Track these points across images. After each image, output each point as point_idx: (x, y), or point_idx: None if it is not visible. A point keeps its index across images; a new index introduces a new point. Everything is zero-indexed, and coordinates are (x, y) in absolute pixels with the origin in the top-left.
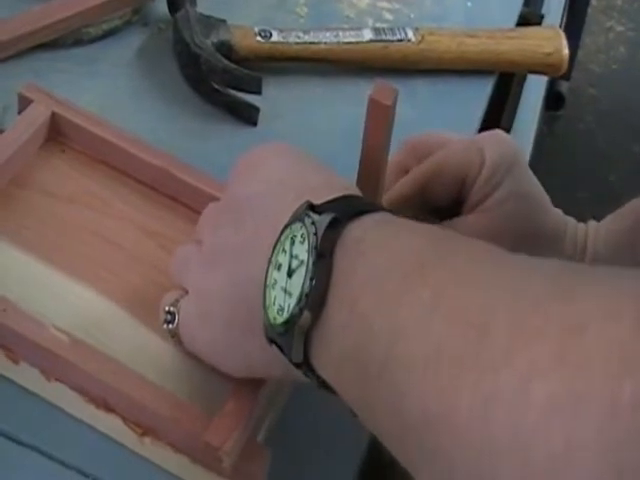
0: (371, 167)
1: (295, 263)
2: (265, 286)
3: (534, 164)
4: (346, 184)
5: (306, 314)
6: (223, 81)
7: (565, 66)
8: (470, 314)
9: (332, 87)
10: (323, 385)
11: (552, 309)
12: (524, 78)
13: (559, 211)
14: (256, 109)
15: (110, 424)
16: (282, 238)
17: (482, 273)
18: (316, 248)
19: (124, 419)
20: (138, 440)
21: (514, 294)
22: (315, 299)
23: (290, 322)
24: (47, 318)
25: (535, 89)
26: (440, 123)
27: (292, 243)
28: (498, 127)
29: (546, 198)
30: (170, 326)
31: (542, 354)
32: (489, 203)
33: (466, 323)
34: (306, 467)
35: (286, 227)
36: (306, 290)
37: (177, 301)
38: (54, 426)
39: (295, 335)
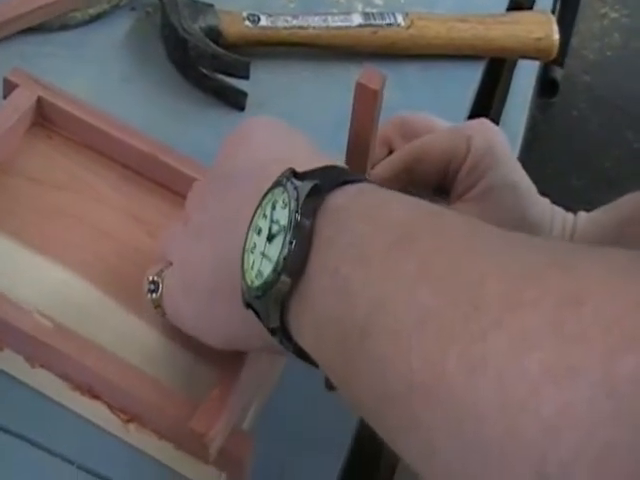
0: (358, 151)
1: (275, 228)
2: (244, 250)
3: (528, 151)
4: (333, 158)
5: (284, 279)
6: (211, 66)
7: (555, 51)
8: (459, 284)
9: (321, 72)
10: (299, 354)
11: (548, 280)
12: (515, 63)
13: (547, 201)
14: (244, 94)
15: (95, 411)
16: (264, 203)
17: (471, 244)
18: (297, 212)
19: (109, 406)
20: (123, 427)
21: (506, 264)
22: (294, 264)
23: (267, 286)
24: (31, 304)
25: (527, 75)
26: (430, 108)
27: (273, 208)
28: (488, 113)
29: (533, 189)
30: (154, 295)
31: (536, 323)
32: (474, 192)
33: (454, 293)
34: (292, 455)
35: (268, 192)
36: (284, 254)
37: (161, 271)
38: (39, 413)
39: (272, 299)
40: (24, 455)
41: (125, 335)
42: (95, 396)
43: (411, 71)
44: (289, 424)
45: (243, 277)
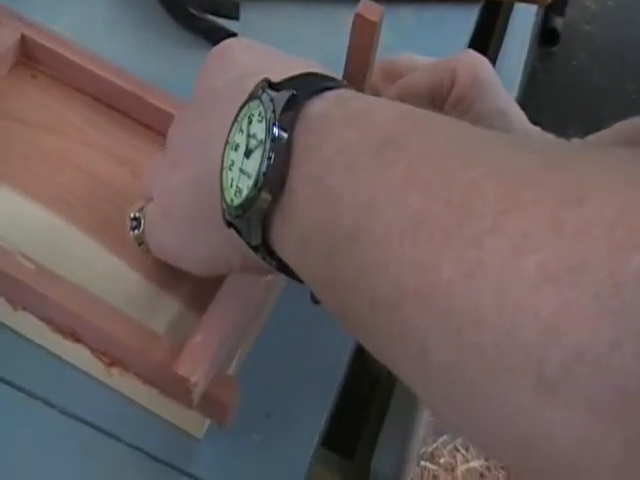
0: (355, 86)
1: (253, 143)
2: (222, 168)
3: (526, 99)
4: (311, 65)
5: (264, 194)
6: (200, 6)
7: None
8: (451, 188)
9: (311, 13)
10: (283, 269)
11: (546, 180)
12: (511, 8)
13: (538, 129)
14: (233, 35)
15: (77, 354)
16: (239, 117)
17: (463, 147)
18: (274, 124)
19: (91, 349)
20: (106, 371)
21: (500, 166)
22: (274, 178)
23: (247, 203)
24: (14, 246)
25: (524, 20)
26: (425, 52)
27: (250, 122)
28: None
29: (522, 116)
30: (136, 232)
31: (535, 224)
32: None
33: (447, 197)
34: (278, 399)
35: (243, 106)
36: (263, 169)
37: (143, 207)
38: (20, 356)
39: (253, 216)
40: (4, 398)
41: (109, 278)
42: (77, 339)
43: (406, 14)
44: (275, 368)
45: (222, 196)
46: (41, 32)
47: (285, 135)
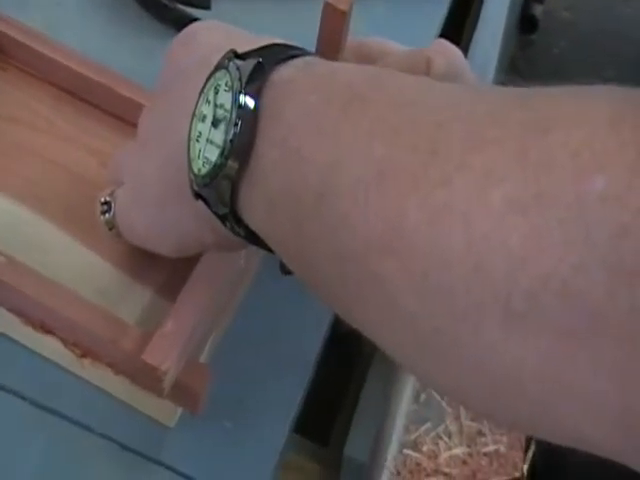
0: None
1: (220, 113)
2: (189, 139)
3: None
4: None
5: (231, 162)
6: None
7: None
8: (416, 134)
9: (283, 2)
10: (252, 239)
11: (512, 116)
12: None
13: None
14: None
15: (49, 346)
16: (206, 89)
17: (426, 96)
18: (241, 92)
19: (63, 341)
20: (78, 362)
21: (464, 109)
22: (241, 145)
23: (215, 171)
24: None
25: (497, 6)
26: (396, 40)
27: (216, 92)
28: (458, 44)
29: None
30: (107, 216)
31: (500, 157)
32: None
33: (412, 143)
34: (251, 387)
35: (210, 77)
36: (230, 137)
37: (113, 192)
38: None
39: (220, 184)
40: None
41: (79, 268)
42: (48, 331)
43: (377, 2)
44: (248, 355)
45: (190, 167)
46: (10, 23)
47: (252, 103)
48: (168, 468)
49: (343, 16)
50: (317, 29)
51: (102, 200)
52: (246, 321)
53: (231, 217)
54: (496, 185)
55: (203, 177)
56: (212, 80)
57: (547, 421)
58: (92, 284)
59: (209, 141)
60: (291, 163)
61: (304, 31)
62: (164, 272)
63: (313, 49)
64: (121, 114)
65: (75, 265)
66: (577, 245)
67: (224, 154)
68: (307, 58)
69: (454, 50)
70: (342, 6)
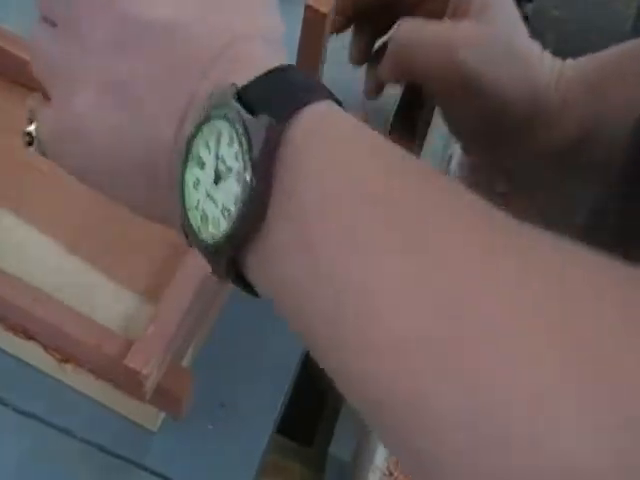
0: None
1: (222, 168)
2: (183, 181)
3: None
4: (276, 35)
5: (237, 233)
6: None
7: None
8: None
9: None
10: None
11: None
12: None
13: (537, 43)
14: None
15: (31, 351)
16: (204, 128)
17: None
18: (251, 160)
19: (44, 346)
20: (59, 367)
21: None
22: (252, 221)
23: (222, 244)
24: None
25: None
26: None
27: (218, 142)
28: None
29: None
30: (31, 149)
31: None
32: (474, 8)
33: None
34: (234, 390)
35: (208, 119)
36: (241, 211)
37: (35, 112)
38: None
39: (221, 256)
40: None
41: (60, 273)
42: (30, 337)
43: None
44: (230, 358)
45: (186, 215)
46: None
47: (262, 186)
48: (151, 472)
49: (324, 18)
50: (299, 32)
51: (26, 131)
52: (229, 324)
53: (236, 279)
54: None
55: (213, 245)
56: (212, 126)
57: None
58: (72, 289)
59: (209, 196)
60: (303, 263)
61: (286, 33)
62: (148, 277)
63: (294, 52)
64: None
65: (55, 269)
66: None
67: (233, 228)
68: (322, 106)
69: None
70: (323, 8)
